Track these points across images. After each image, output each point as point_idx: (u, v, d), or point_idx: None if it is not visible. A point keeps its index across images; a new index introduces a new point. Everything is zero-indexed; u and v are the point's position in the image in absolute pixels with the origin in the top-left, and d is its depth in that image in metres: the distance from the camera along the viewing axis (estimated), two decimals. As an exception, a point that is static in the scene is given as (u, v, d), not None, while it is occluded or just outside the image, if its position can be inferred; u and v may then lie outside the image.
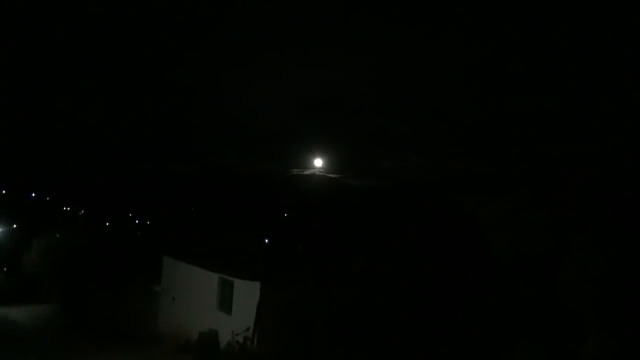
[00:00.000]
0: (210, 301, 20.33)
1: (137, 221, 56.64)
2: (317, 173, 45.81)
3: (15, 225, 54.01)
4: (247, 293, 17.89)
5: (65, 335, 26.46)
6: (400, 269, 16.63)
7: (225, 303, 19.59)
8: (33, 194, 70.17)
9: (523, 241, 9.05)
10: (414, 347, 13.71)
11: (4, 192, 63.53)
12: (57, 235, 33.93)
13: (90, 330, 27.32)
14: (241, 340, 16.92)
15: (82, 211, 64.39)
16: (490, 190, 9.89)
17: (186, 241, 32.27)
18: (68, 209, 69.85)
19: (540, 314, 9.29)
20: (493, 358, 9.61)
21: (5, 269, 48.39)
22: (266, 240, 41.80)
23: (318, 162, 41.26)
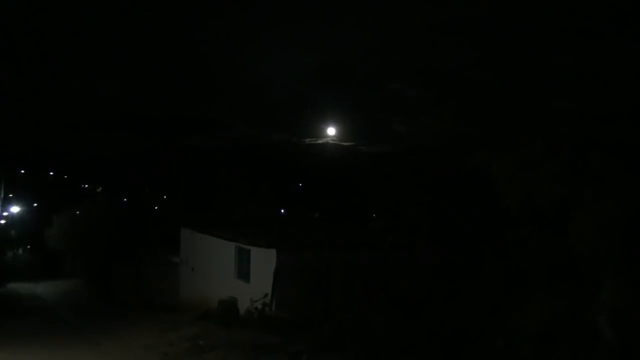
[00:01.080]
0: (228, 270, 20.58)
1: (153, 196, 57.25)
2: (330, 141, 45.82)
3: (35, 204, 55.07)
4: (264, 260, 18.05)
5: (91, 307, 27.18)
6: (414, 229, 16.64)
7: (243, 271, 19.81)
8: (51, 173, 71.29)
9: (535, 193, 9.02)
10: (430, 305, 13.79)
11: (22, 171, 64.58)
12: (77, 213, 34.46)
13: (114, 302, 28.00)
14: (260, 307, 17.13)
15: (100, 188, 65.38)
16: (501, 145, 9.81)
17: (203, 213, 32.66)
18: (86, 186, 70.96)
19: (554, 265, 9.31)
20: (508, 311, 9.67)
21: (29, 247, 49.57)
22: (282, 210, 42.22)
23: (331, 131, 41.22)
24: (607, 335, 8.53)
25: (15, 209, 48.11)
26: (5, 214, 45.28)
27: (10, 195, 47.26)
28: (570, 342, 8.52)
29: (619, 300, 8.29)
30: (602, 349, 8.36)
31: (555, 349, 8.55)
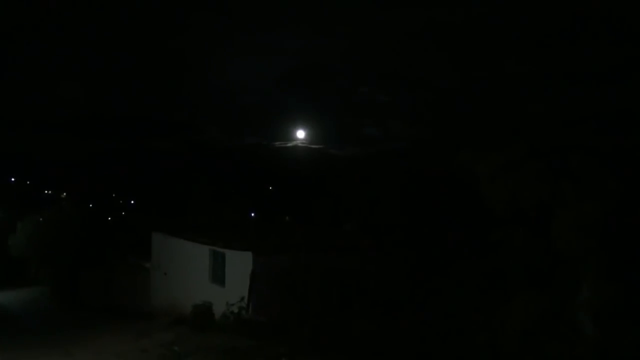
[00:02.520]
0: (202, 274, 20.29)
1: (120, 201, 56.12)
2: (300, 144, 45.65)
3: (-3, 211, 53.25)
4: (240, 264, 17.85)
5: (57, 315, 26.37)
6: (389, 230, 16.69)
7: (218, 275, 19.56)
8: (13, 179, 69.12)
9: (518, 193, 9.12)
10: (409, 306, 13.84)
11: (-17, 178, 62.44)
12: (41, 219, 33.48)
13: (82, 309, 27.24)
14: (236, 310, 16.92)
15: (65, 194, 63.67)
16: (485, 146, 9.90)
17: (175, 217, 32.12)
18: (50, 192, 69.05)
19: (536, 264, 9.43)
20: (490, 311, 9.76)
21: (-9, 254, 47.81)
22: (252, 214, 41.85)
23: (300, 134, 41.03)
24: (588, 331, 8.70)
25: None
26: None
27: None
28: (553, 339, 8.64)
29: (598, 297, 8.46)
30: (584, 344, 8.51)
31: (538, 345, 8.66)
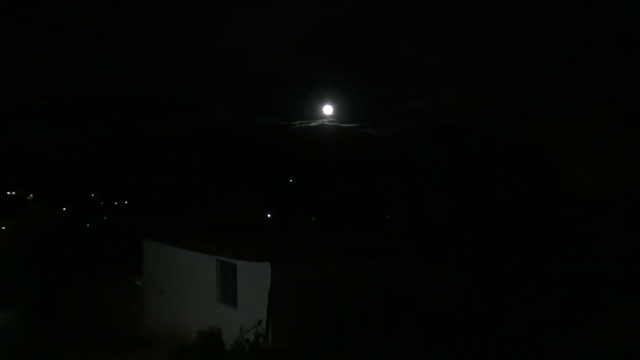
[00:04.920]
0: (209, 292, 20.41)
1: (102, 202, 56.94)
2: (328, 123, 45.66)
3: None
4: (255, 278, 17.84)
5: (32, 344, 26.83)
6: (444, 229, 16.65)
7: (229, 293, 19.64)
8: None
9: (611, 174, 8.94)
10: (470, 327, 13.84)
11: None
12: (3, 228, 34.16)
13: (62, 336, 27.68)
14: (252, 338, 16.95)
15: (32, 195, 64.83)
16: (565, 117, 9.72)
17: (172, 219, 32.49)
18: (14, 193, 70.37)
19: (636, 264, 9.24)
20: (582, 320, 9.64)
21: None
22: (269, 214, 42.10)
23: (328, 110, 41.03)
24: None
25: None
26: None
27: None
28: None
29: None
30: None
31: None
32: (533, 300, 12.10)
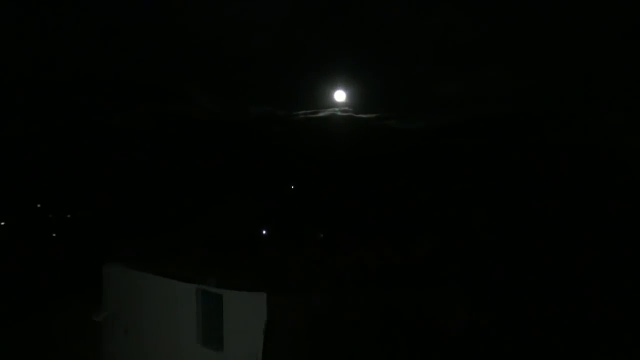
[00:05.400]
0: (187, 331, 20.32)
1: (51, 215, 57.05)
2: (339, 113, 45.62)
3: None
4: (247, 312, 17.81)
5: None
6: (492, 249, 16.72)
7: (212, 331, 19.57)
8: None
9: None
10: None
11: None
12: None
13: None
14: (244, 390, 17.06)
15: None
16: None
17: (141, 235, 32.46)
18: None
19: None
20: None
21: None
22: (264, 229, 42.08)
23: (339, 96, 41.07)
24: None
25: None
26: None
27: None
28: None
29: None
30: None
31: None
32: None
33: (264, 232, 38.86)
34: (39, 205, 54.97)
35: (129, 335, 23.76)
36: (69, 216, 52.48)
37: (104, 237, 33.21)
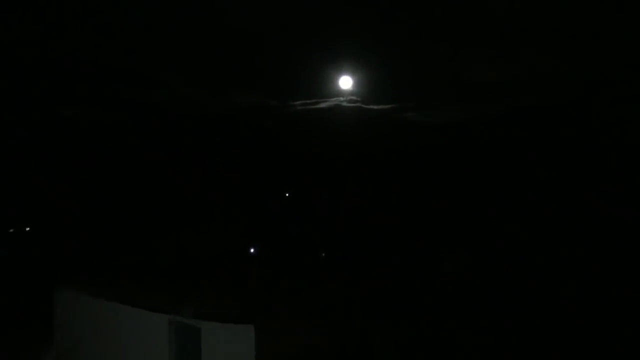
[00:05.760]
0: (157, 371, 20.41)
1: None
2: (346, 104, 45.32)
3: None
4: (230, 347, 17.87)
5: None
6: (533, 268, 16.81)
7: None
8: None
9: None
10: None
11: None
12: None
13: None
14: None
15: None
16: None
17: (102, 255, 32.38)
18: None
19: None
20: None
21: None
22: (251, 250, 41.98)
23: (345, 83, 40.76)
24: None
25: None
26: None
27: None
28: None
29: None
30: None
31: None
32: None
33: (252, 250, 38.65)
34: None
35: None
36: (11, 230, 52.36)
37: (56, 256, 33.07)
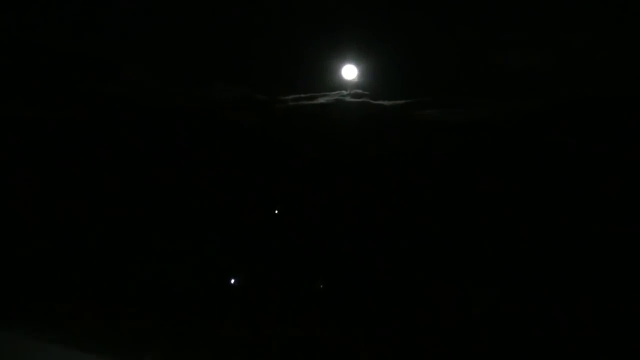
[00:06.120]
0: None
1: None
2: (349, 98, 45.10)
3: None
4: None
5: None
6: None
7: None
8: None
9: None
10: None
11: None
12: None
13: None
14: None
15: None
16: None
17: (46, 287, 32.00)
18: None
19: None
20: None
21: None
22: (232, 280, 41.51)
23: (349, 73, 40.50)
24: None
25: None
26: None
27: None
28: None
29: None
30: None
31: None
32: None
33: (232, 281, 38.05)
34: None
35: None
36: None
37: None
